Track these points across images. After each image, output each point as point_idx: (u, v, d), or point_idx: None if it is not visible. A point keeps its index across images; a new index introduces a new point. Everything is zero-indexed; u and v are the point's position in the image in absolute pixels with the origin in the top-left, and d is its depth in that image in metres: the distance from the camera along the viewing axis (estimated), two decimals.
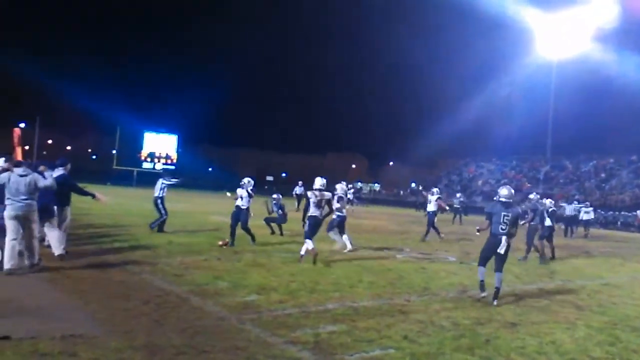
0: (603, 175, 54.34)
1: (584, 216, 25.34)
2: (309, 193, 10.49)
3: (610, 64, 53.67)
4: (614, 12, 52.39)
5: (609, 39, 53.84)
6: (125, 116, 65.68)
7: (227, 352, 4.44)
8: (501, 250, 7.45)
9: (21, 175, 7.54)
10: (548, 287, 8.95)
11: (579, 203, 27.02)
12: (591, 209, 26.20)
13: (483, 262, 7.65)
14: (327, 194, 10.45)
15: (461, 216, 27.54)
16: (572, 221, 24.37)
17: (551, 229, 13.08)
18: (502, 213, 7.50)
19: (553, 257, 13.05)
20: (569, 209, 25.00)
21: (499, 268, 7.49)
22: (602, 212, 38.48)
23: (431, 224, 15.58)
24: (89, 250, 9.69)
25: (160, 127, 69.01)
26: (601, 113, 69.55)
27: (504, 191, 7.76)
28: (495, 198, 8.07)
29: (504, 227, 7.48)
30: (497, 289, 7.33)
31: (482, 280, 7.51)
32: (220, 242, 11.34)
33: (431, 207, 15.81)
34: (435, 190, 16.36)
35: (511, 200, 7.70)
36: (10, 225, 7.39)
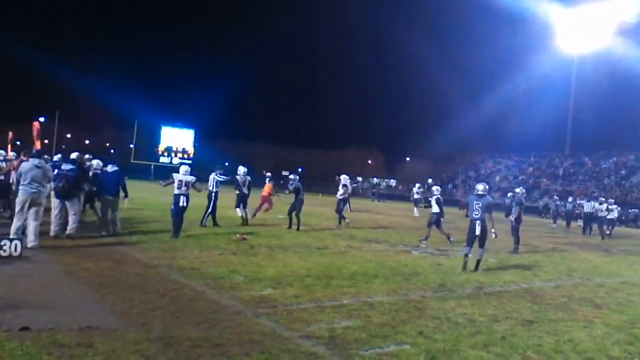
0: (623, 172, 53.55)
1: (607, 215, 22.88)
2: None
3: (632, 59, 52.65)
4: (636, 6, 51.39)
5: (631, 34, 52.87)
6: (143, 110, 66.21)
7: (242, 346, 4.46)
8: (477, 232, 9.45)
9: (37, 167, 8.79)
10: (566, 285, 8.86)
11: (598, 201, 26.24)
12: (615, 206, 24.09)
13: (468, 242, 9.61)
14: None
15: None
16: (591, 218, 24.01)
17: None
18: (475, 202, 9.59)
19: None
20: (587, 206, 24.64)
21: (480, 245, 9.56)
22: (621, 210, 37.88)
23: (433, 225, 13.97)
24: (107, 243, 9.81)
25: (178, 121, 69.53)
26: (622, 109, 68.47)
27: (479, 186, 9.87)
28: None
29: (477, 214, 9.50)
30: (478, 261, 9.52)
31: (465, 255, 9.46)
32: (237, 236, 11.39)
33: (435, 209, 13.98)
34: (435, 188, 14.88)
35: (485, 193, 9.73)
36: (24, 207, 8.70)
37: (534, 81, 64.16)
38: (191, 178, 11.48)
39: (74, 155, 10.56)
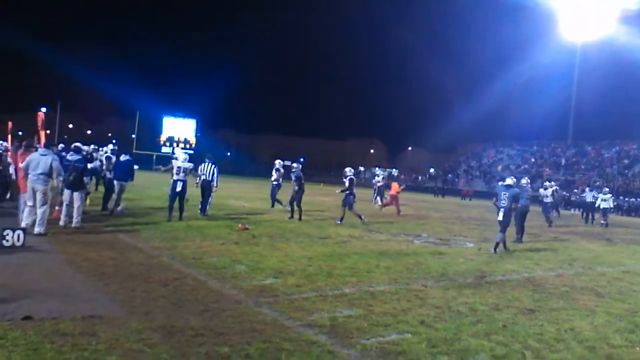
0: (626, 161, 53.45)
1: (601, 204, 22.48)
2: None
3: (636, 47, 52.29)
4: None
5: (635, 21, 52.46)
6: (144, 100, 66.06)
7: (244, 335, 4.48)
8: (499, 217, 10.74)
9: (42, 155, 9.13)
10: (567, 274, 8.86)
11: (594, 190, 25.97)
12: (609, 196, 22.81)
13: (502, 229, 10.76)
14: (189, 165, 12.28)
15: (382, 197, 23.68)
16: (592, 208, 23.99)
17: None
18: (503, 192, 10.82)
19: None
20: (589, 196, 24.64)
21: (501, 230, 10.67)
22: (625, 199, 37.81)
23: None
24: (109, 232, 9.83)
25: (179, 111, 69.41)
26: (625, 98, 68.12)
27: (508, 179, 11.34)
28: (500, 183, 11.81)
29: (504, 202, 10.73)
30: (497, 243, 10.65)
31: (497, 242, 10.68)
32: (239, 226, 11.41)
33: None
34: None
35: (512, 185, 11.11)
36: (29, 194, 9.09)
37: (537, 70, 63.96)
38: (189, 165, 12.19)
39: (81, 147, 11.31)
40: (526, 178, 16.57)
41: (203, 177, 13.50)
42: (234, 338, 4.39)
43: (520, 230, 13.35)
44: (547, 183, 21.51)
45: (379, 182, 25.00)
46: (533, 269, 9.14)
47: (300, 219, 14.11)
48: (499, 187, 11.45)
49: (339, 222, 14.05)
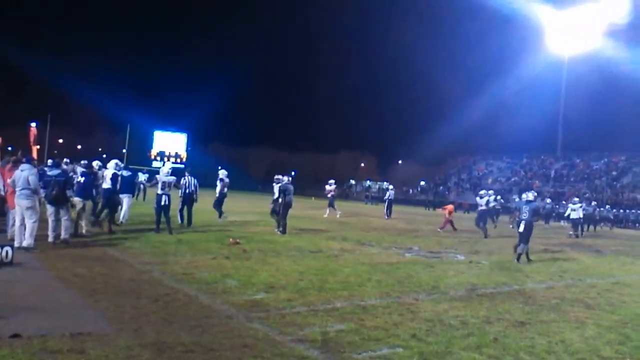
0: (614, 173, 53.93)
1: (571, 214, 22.11)
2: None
3: (622, 60, 53.10)
4: (625, 7, 51.82)
5: (621, 35, 53.32)
6: (135, 115, 65.91)
7: (235, 350, 4.46)
8: (520, 229, 11.66)
9: (21, 171, 9.18)
10: (558, 286, 8.90)
11: (583, 201, 25.82)
12: (579, 205, 22.46)
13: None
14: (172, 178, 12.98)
15: (333, 206, 23.37)
16: (583, 220, 24.14)
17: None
18: (524, 206, 11.89)
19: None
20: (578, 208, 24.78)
21: (522, 241, 11.51)
22: (614, 210, 38.11)
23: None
24: (99, 247, 9.76)
25: (170, 125, 69.32)
26: (613, 110, 68.99)
27: (529, 194, 12.37)
28: (523, 197, 12.80)
29: (525, 215, 11.69)
30: (519, 254, 11.47)
31: (519, 253, 11.52)
32: (230, 241, 11.38)
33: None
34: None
35: (533, 200, 12.25)
36: (17, 211, 9.17)
37: (525, 83, 64.49)
38: (172, 178, 12.96)
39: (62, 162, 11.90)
40: (533, 192, 16.69)
41: (186, 190, 14.31)
42: (225, 354, 4.37)
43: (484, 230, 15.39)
44: (482, 192, 20.41)
45: (331, 191, 23.68)
46: (524, 281, 9.17)
47: (284, 232, 13.95)
48: (520, 202, 12.92)
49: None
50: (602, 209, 35.37)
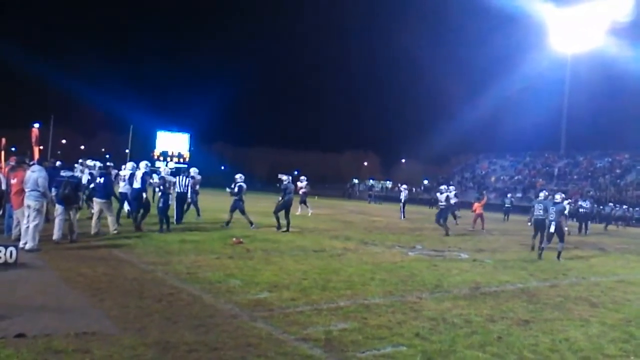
0: (618, 171, 53.74)
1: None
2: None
3: (626, 58, 52.91)
4: (628, 5, 51.63)
5: (624, 33, 53.12)
6: (138, 115, 66.12)
7: (239, 350, 4.46)
8: (552, 229, 12.28)
9: (32, 172, 9.29)
10: (562, 284, 8.89)
11: (587, 199, 25.62)
12: (566, 202, 19.53)
13: (547, 238, 12.44)
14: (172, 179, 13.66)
15: (305, 203, 23.06)
16: (586, 217, 24.07)
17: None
18: (551, 207, 12.49)
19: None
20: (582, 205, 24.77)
21: (560, 240, 12.32)
22: (618, 208, 37.96)
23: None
24: (103, 248, 9.79)
25: (173, 125, 69.44)
26: (616, 108, 68.86)
27: (557, 196, 13.11)
28: (549, 198, 14.31)
29: (552, 216, 12.33)
30: (559, 252, 12.23)
31: (543, 248, 12.34)
32: (234, 240, 11.39)
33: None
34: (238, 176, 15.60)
35: (560, 201, 12.81)
36: (23, 211, 9.27)
37: (528, 81, 64.52)
38: (172, 179, 13.56)
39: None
40: (544, 192, 17.08)
41: (179, 189, 14.60)
42: (229, 353, 4.38)
43: (541, 239, 14.41)
44: (442, 187, 20.03)
45: (302, 188, 23.08)
46: (527, 279, 9.16)
47: (288, 230, 14.36)
48: (548, 203, 13.48)
49: (226, 225, 14.61)
50: (618, 206, 35.31)
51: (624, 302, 7.65)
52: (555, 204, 12.68)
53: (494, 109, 69.17)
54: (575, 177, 56.18)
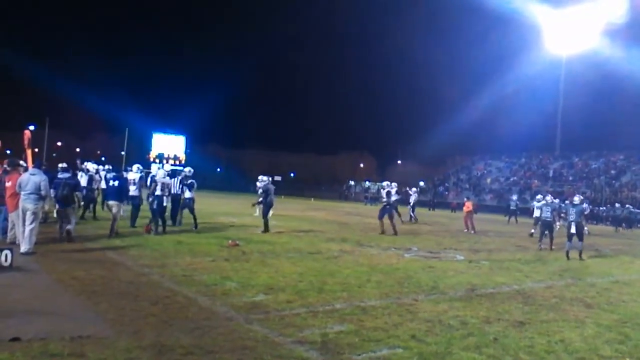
0: (613, 171, 53.94)
1: (535, 212, 18.89)
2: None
3: (620, 59, 53.15)
4: (623, 7, 51.89)
5: (619, 35, 53.40)
6: (133, 117, 65.99)
7: (235, 352, 4.46)
8: (572, 230, 12.93)
9: (31, 175, 9.28)
10: (557, 285, 8.91)
11: (585, 201, 25.60)
12: (543, 203, 17.71)
13: (569, 238, 13.02)
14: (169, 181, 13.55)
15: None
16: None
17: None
18: (571, 209, 13.28)
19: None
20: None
21: (580, 239, 12.92)
22: (612, 209, 38.12)
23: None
24: (98, 250, 9.76)
25: (169, 128, 69.30)
26: (611, 109, 69.12)
27: (576, 198, 13.88)
28: (567, 201, 14.29)
29: (572, 217, 13.06)
30: (580, 252, 12.96)
31: (567, 250, 12.93)
32: (229, 243, 11.38)
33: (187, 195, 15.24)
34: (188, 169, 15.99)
35: (579, 203, 13.53)
36: (18, 214, 9.24)
37: (523, 82, 64.62)
38: (169, 180, 13.63)
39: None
40: (579, 197, 16.73)
41: (174, 191, 14.53)
42: (224, 356, 4.37)
43: (542, 237, 15.18)
44: (385, 183, 19.22)
45: (259, 187, 22.92)
46: (523, 281, 9.18)
47: (265, 231, 14.41)
48: (567, 205, 14.28)
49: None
50: (629, 206, 35.41)
51: (619, 303, 7.68)
52: (574, 205, 13.42)
53: (489, 110, 69.36)
54: (570, 178, 56.34)
